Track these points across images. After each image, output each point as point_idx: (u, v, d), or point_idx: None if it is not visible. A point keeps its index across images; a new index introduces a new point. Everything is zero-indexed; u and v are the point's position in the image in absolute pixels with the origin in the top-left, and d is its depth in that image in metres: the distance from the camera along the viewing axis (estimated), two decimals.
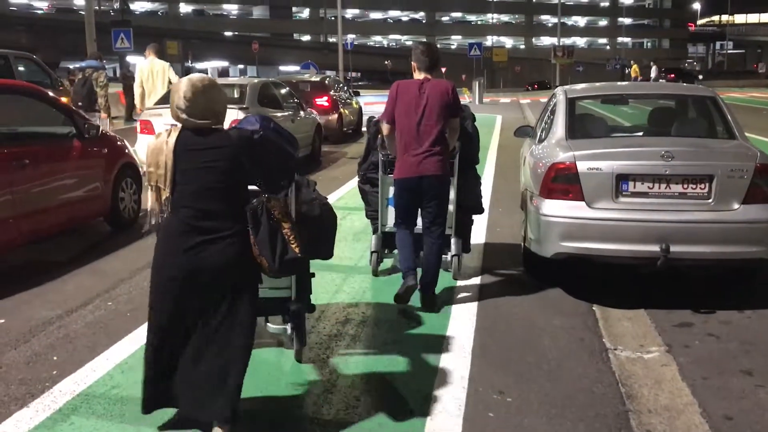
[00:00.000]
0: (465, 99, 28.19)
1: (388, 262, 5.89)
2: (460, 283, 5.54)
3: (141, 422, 3.34)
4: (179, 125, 3.24)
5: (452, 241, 5.52)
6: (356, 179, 6.13)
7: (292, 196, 3.70)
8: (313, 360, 4.08)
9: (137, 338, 4.44)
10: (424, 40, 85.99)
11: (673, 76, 53.65)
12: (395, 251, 5.59)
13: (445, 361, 4.08)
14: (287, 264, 3.30)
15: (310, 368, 3.98)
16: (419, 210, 5.01)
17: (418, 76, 4.94)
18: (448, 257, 5.55)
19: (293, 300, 4.02)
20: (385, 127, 4.99)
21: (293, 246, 3.30)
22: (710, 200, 4.88)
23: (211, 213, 3.18)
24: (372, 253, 5.73)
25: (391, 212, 5.46)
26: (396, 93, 4.88)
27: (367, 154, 5.79)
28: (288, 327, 4.07)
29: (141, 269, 6.07)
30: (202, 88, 3.21)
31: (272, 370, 3.99)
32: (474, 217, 5.88)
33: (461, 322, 4.70)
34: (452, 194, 5.35)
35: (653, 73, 35.04)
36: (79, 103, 10.85)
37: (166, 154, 3.18)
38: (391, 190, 5.31)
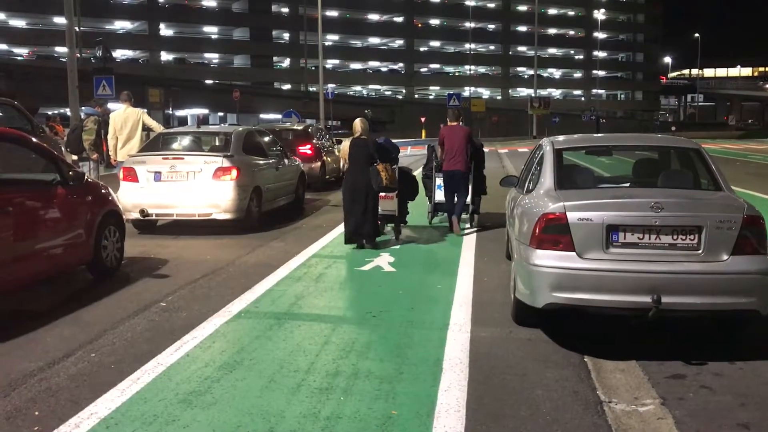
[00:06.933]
0: None
1: (436, 220, 11.21)
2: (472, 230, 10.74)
3: None
4: (355, 135, 9.28)
5: (471, 207, 10.64)
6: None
7: (396, 168, 9.27)
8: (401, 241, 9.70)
9: (123, 391, 4.32)
10: (404, 90, 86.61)
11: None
12: (439, 213, 11.05)
13: (440, 415, 3.99)
14: (380, 187, 8.81)
15: (398, 245, 9.39)
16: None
17: (452, 123, 10.27)
18: (468, 215, 10.75)
19: (397, 216, 9.62)
20: (438, 149, 10.48)
21: (384, 180, 8.73)
22: (700, 251, 4.91)
23: (359, 168, 9.00)
24: (429, 213, 11.10)
25: (437, 193, 10.75)
26: (443, 132, 10.21)
27: (428, 161, 11.16)
28: (393, 226, 9.88)
29: (124, 319, 5.94)
30: (363, 125, 9.20)
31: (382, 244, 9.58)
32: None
33: (455, 374, 4.63)
34: (470, 182, 10.47)
35: None
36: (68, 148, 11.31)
37: (347, 146, 9.37)
38: (437, 181, 10.67)
